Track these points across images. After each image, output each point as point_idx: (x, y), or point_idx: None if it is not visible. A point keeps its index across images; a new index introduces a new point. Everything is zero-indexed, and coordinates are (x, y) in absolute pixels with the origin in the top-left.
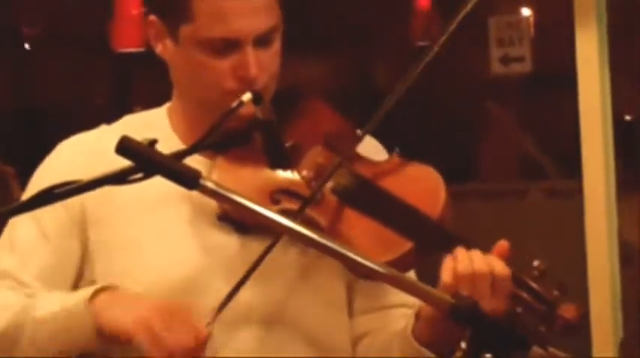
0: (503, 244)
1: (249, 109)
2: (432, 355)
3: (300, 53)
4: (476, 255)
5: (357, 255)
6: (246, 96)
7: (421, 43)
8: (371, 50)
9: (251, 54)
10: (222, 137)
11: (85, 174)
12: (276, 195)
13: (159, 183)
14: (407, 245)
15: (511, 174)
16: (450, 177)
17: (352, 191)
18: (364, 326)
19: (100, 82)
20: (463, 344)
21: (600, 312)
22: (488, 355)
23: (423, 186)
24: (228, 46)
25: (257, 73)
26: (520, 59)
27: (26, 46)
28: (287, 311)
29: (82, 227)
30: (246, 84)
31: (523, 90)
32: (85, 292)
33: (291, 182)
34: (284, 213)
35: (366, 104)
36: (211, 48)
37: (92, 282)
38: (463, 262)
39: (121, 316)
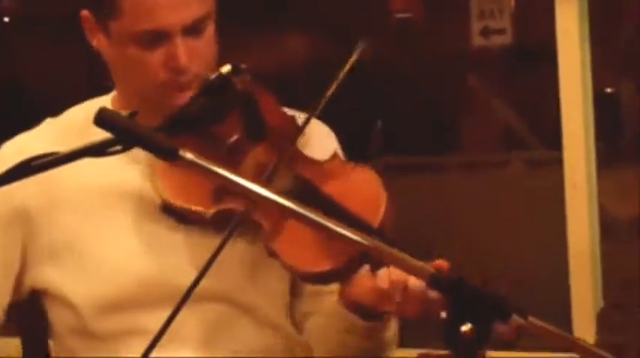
0: (439, 264)
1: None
2: (357, 318)
3: (279, 28)
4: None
5: (337, 225)
6: (225, 68)
7: (401, 16)
8: (350, 23)
9: (180, 45)
10: (198, 111)
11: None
12: (220, 194)
13: (101, 181)
14: (349, 252)
15: (492, 145)
16: (431, 148)
17: (294, 195)
18: (312, 305)
19: (81, 57)
20: (443, 314)
21: (580, 284)
22: (468, 324)
23: (364, 191)
24: (157, 38)
25: (187, 64)
26: (501, 31)
27: (5, 19)
28: (234, 298)
29: (24, 234)
30: (178, 74)
31: (504, 62)
32: None
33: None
34: (226, 212)
35: (345, 79)
36: (141, 41)
37: (32, 289)
38: (382, 278)
39: None
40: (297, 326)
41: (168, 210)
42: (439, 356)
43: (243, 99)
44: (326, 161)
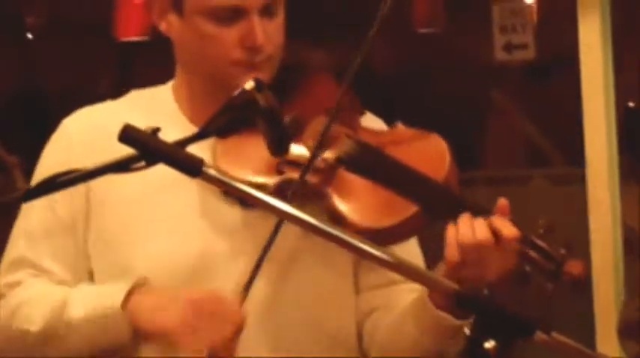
0: (502, 203)
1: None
2: (451, 318)
3: (302, 38)
4: (479, 223)
5: (359, 241)
6: (249, 84)
7: (424, 30)
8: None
9: (258, 23)
10: (225, 123)
11: (90, 150)
12: (281, 165)
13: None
14: (412, 208)
15: (515, 160)
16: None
17: (356, 158)
18: (372, 302)
19: (103, 71)
20: (467, 331)
21: (604, 298)
22: (491, 341)
23: (427, 151)
24: (235, 14)
25: (264, 42)
26: (523, 46)
27: (29, 35)
28: (290, 290)
29: (87, 212)
30: (253, 53)
31: (526, 77)
32: (118, 294)
33: (296, 152)
34: (288, 183)
35: (368, 90)
36: (217, 17)
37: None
38: (466, 234)
39: (158, 317)
40: (358, 327)
41: (232, 192)
42: None
43: (265, 114)
44: (387, 130)
